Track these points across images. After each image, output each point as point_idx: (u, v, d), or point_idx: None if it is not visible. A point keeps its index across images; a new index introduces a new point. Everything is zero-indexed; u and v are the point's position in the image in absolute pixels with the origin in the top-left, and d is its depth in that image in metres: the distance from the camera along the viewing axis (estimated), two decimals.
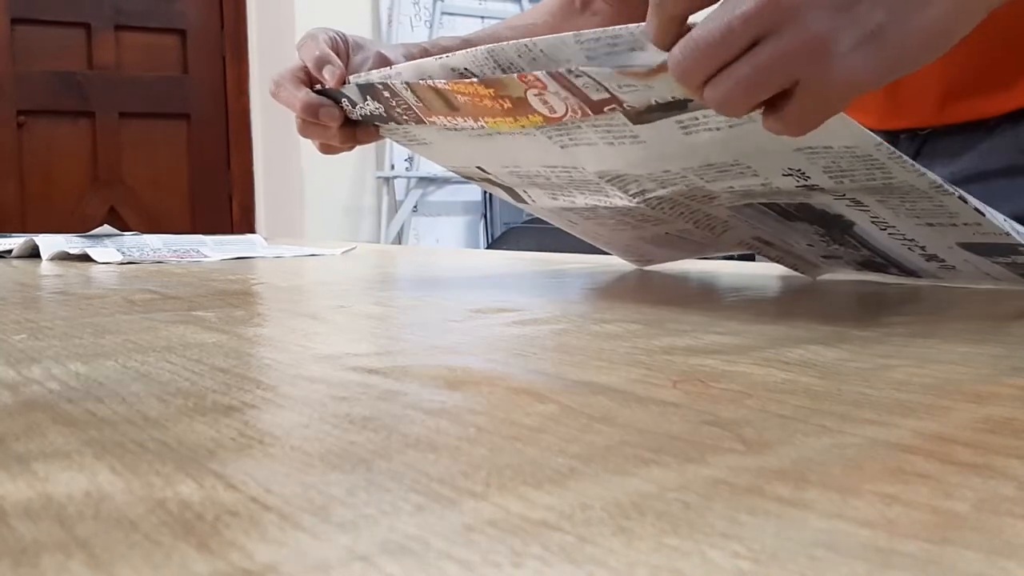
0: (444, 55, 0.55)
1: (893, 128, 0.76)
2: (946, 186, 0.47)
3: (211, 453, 0.24)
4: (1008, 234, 0.49)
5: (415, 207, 3.27)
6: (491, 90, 0.53)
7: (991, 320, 0.47)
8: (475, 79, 0.53)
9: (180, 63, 3.24)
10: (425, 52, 0.74)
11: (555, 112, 0.52)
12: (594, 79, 0.47)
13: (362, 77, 0.64)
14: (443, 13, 3.29)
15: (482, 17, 3.37)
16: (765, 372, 0.33)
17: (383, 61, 0.69)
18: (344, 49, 0.70)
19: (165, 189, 3.23)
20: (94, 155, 3.11)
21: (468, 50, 0.52)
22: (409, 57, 0.73)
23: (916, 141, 0.73)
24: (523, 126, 0.55)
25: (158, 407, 0.29)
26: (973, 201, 0.48)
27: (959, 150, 0.72)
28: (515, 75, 0.50)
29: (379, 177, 3.20)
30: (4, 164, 3.00)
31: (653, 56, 0.44)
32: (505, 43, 0.50)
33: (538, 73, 0.49)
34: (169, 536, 0.18)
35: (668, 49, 0.42)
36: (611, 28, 0.45)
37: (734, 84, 0.40)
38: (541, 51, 0.49)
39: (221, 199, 3.32)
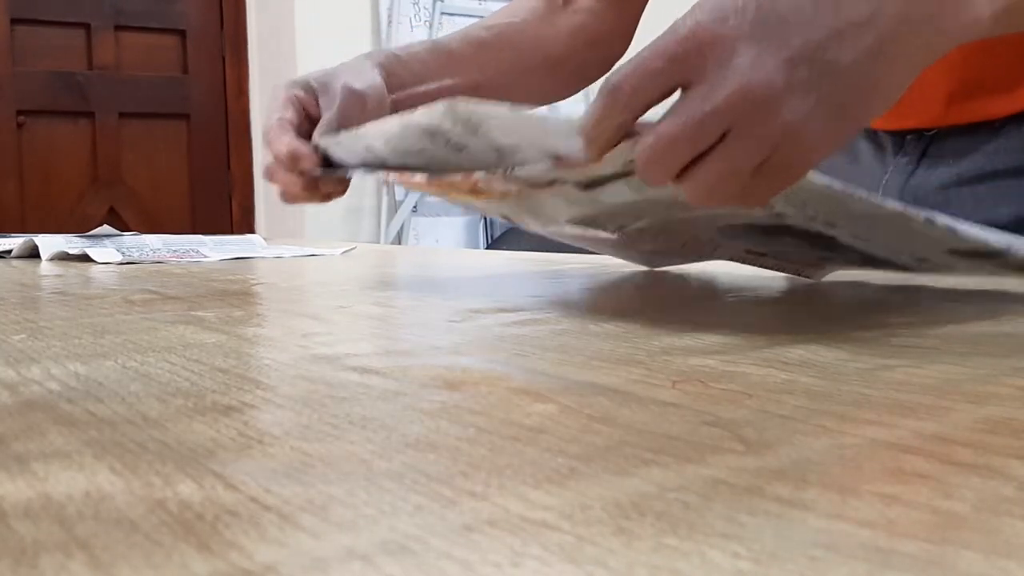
0: (404, 113, 0.52)
1: (899, 128, 0.76)
2: (909, 212, 0.47)
3: (211, 453, 0.24)
4: (987, 243, 0.50)
5: (415, 207, 3.27)
6: (441, 185, 0.53)
7: (991, 320, 0.47)
8: (425, 178, 0.53)
9: (180, 63, 3.24)
10: (397, 61, 0.73)
11: (509, 191, 0.53)
12: (533, 176, 0.47)
13: (340, 170, 0.63)
14: (443, 13, 3.29)
15: (482, 17, 3.37)
16: (765, 372, 0.33)
17: (351, 96, 0.67)
18: (312, 101, 0.68)
19: (165, 189, 3.23)
20: (94, 155, 3.11)
21: (426, 107, 0.49)
22: (383, 70, 0.71)
23: (922, 141, 0.73)
24: (487, 199, 0.57)
25: (158, 407, 0.29)
26: (943, 220, 0.47)
27: (965, 150, 0.72)
28: (458, 176, 0.50)
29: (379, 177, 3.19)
30: (4, 164, 3.00)
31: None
32: (461, 104, 0.46)
33: (478, 175, 0.49)
34: (169, 536, 0.18)
35: (599, 158, 0.41)
36: (551, 119, 0.44)
37: (715, 179, 0.39)
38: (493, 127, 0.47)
39: (221, 199, 3.32)
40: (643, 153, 0.39)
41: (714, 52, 0.38)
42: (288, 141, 0.64)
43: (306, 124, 0.67)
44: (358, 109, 0.67)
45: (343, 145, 0.62)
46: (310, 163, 0.64)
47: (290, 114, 0.66)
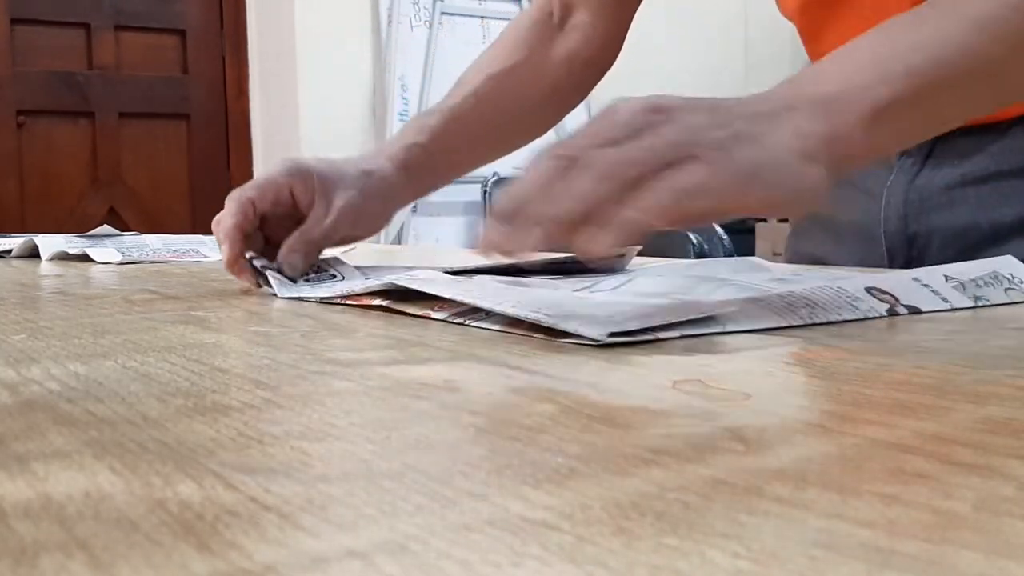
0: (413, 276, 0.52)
1: None
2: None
3: (211, 453, 0.24)
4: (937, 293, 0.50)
5: (415, 207, 3.27)
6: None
7: (991, 320, 0.47)
8: (385, 303, 0.53)
9: (180, 63, 3.24)
10: (423, 151, 0.74)
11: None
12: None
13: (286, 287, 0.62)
14: (443, 13, 3.29)
15: (482, 17, 3.37)
16: (765, 372, 0.33)
17: (347, 210, 0.67)
18: (296, 189, 0.67)
19: (165, 189, 3.23)
20: (94, 155, 3.11)
21: (431, 275, 0.50)
22: (405, 170, 0.72)
23: (928, 142, 0.73)
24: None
25: (158, 407, 0.29)
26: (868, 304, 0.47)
27: (970, 152, 0.72)
28: (417, 309, 0.50)
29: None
30: (4, 164, 3.00)
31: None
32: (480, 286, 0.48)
33: (437, 315, 0.49)
34: (169, 536, 0.18)
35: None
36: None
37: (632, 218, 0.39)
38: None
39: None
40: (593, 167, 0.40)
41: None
42: (228, 252, 0.64)
43: (265, 219, 0.66)
44: (349, 224, 0.67)
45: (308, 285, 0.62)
46: (248, 278, 0.65)
47: (239, 219, 0.65)
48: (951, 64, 0.46)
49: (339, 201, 0.66)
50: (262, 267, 0.64)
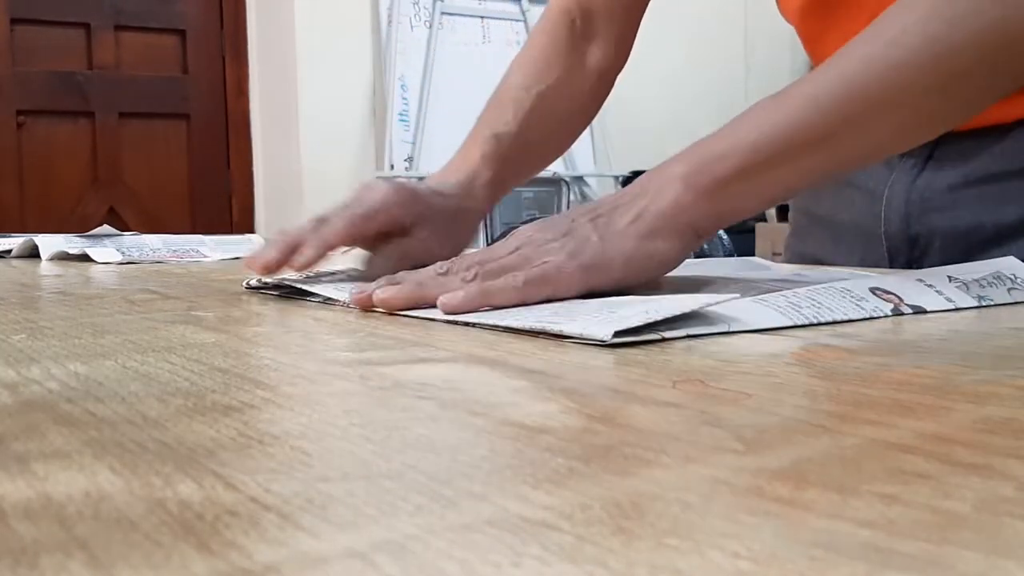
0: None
1: None
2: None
3: (211, 453, 0.24)
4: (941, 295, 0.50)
5: None
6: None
7: (992, 320, 0.47)
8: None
9: (180, 63, 3.24)
10: (502, 188, 0.76)
11: None
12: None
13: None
14: (443, 13, 3.29)
15: (482, 17, 3.37)
16: (765, 372, 0.33)
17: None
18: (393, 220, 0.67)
19: (165, 189, 3.23)
20: (94, 155, 3.11)
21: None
22: (487, 195, 0.74)
23: (929, 144, 0.73)
24: None
25: (158, 407, 0.29)
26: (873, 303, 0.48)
27: (972, 153, 0.71)
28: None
29: (379, 177, 3.20)
30: (4, 164, 3.00)
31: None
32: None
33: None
34: (169, 536, 0.18)
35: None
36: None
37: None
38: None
39: (221, 199, 3.32)
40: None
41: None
42: (281, 255, 0.63)
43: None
44: (438, 253, 0.68)
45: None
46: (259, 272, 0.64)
47: (337, 241, 0.65)
48: (786, 139, 0.52)
49: (436, 231, 0.68)
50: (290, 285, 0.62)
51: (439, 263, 0.52)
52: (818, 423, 0.26)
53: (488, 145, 0.75)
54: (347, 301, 0.51)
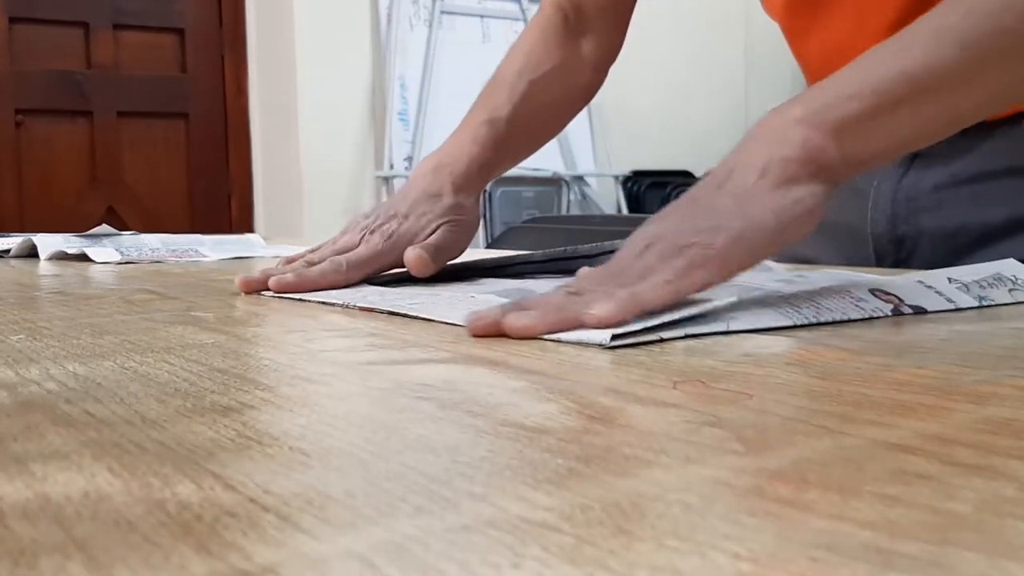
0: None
1: None
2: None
3: (210, 454, 0.24)
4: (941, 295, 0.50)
5: None
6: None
7: (992, 320, 0.47)
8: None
9: (179, 62, 3.24)
10: (491, 172, 0.75)
11: None
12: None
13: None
14: (442, 12, 3.28)
15: (481, 16, 3.37)
16: (765, 372, 0.33)
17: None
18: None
19: (163, 189, 3.23)
20: (92, 154, 3.11)
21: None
22: (478, 184, 0.74)
23: None
24: None
25: (156, 408, 0.29)
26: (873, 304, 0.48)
27: (958, 152, 0.72)
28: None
29: (378, 177, 3.20)
30: (2, 163, 3.00)
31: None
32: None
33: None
34: (168, 537, 0.18)
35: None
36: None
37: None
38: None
39: (220, 199, 3.32)
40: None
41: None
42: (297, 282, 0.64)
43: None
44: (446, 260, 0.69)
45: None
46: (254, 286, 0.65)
47: (351, 277, 0.65)
48: (914, 77, 0.48)
49: (445, 235, 0.68)
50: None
51: (563, 284, 0.47)
52: (819, 424, 0.26)
53: (482, 129, 0.76)
54: (466, 326, 0.44)
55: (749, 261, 0.45)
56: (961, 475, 0.21)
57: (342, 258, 0.66)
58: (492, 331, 0.43)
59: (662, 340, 0.40)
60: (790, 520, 0.18)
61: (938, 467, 0.22)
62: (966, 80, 0.49)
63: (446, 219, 0.68)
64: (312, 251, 0.69)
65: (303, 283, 0.63)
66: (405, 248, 0.66)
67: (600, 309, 0.41)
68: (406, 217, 0.69)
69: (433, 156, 0.75)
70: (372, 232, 0.68)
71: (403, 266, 0.66)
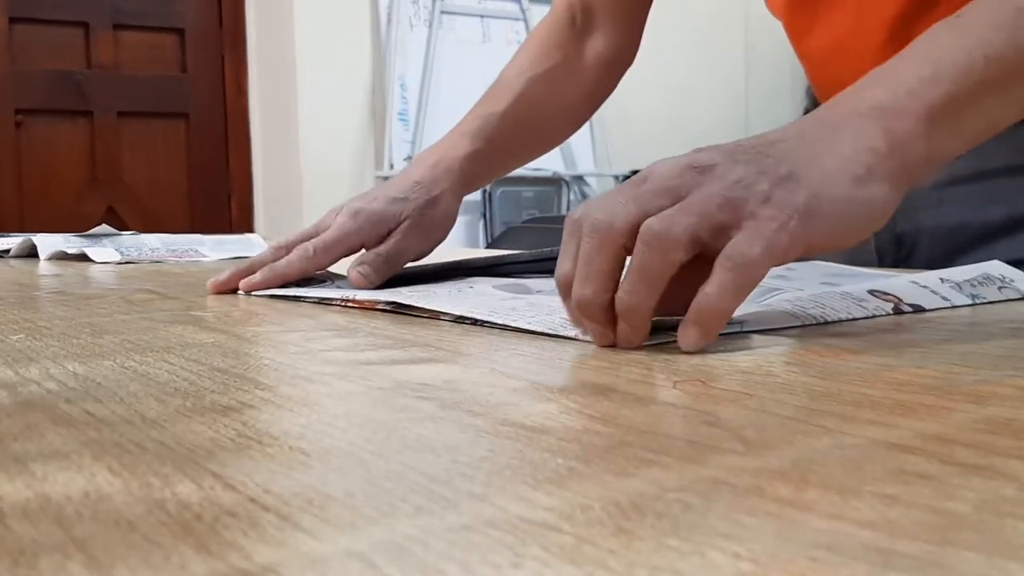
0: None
1: None
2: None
3: (210, 453, 0.24)
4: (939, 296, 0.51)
5: None
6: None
7: (992, 320, 0.47)
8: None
9: (179, 62, 3.24)
10: (477, 160, 0.74)
11: None
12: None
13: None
14: (442, 12, 3.28)
15: (481, 16, 3.37)
16: (765, 372, 0.33)
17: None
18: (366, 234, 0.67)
19: (163, 189, 3.23)
20: (92, 154, 3.11)
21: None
22: (462, 176, 0.72)
23: None
24: None
25: (156, 407, 0.29)
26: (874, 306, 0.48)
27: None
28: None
29: (378, 177, 3.19)
30: (2, 163, 3.00)
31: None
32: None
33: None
34: (168, 537, 0.18)
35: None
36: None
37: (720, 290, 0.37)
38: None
39: (220, 199, 3.32)
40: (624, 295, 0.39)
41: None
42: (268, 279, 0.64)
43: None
44: (416, 251, 0.68)
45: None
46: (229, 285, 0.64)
47: (319, 263, 0.65)
48: (1003, 58, 0.43)
49: (407, 235, 0.67)
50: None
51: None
52: (819, 423, 0.26)
53: (474, 123, 0.76)
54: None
55: (819, 244, 0.40)
56: (961, 475, 0.21)
57: (309, 244, 0.65)
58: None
59: (668, 342, 0.40)
60: (790, 520, 0.18)
61: (938, 467, 0.22)
62: None
63: (408, 219, 0.67)
64: (280, 247, 0.68)
65: (272, 279, 0.63)
66: (373, 229, 0.66)
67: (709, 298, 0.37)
68: (375, 199, 0.68)
69: (425, 151, 0.75)
70: (339, 213, 0.68)
71: (374, 245, 0.65)
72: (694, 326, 0.37)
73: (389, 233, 0.67)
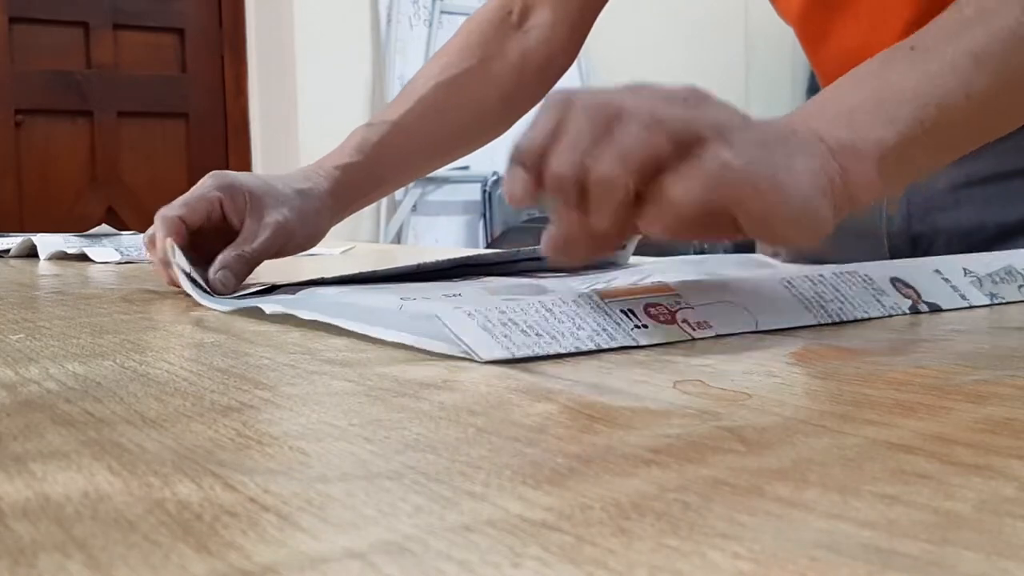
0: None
1: None
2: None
3: (209, 453, 0.24)
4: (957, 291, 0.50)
5: (414, 206, 3.27)
6: None
7: (992, 320, 0.47)
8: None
9: (178, 62, 3.24)
10: (351, 168, 0.73)
11: None
12: None
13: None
14: (442, 12, 3.28)
15: None
16: (766, 372, 0.33)
17: (279, 230, 0.65)
18: (226, 205, 0.64)
19: (163, 189, 3.22)
20: (92, 154, 3.11)
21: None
22: (331, 194, 0.70)
23: None
24: None
25: (156, 407, 0.29)
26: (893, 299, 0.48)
27: (975, 152, 0.71)
28: None
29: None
30: (2, 163, 3.00)
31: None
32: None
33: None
34: (167, 537, 0.18)
35: None
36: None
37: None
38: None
39: None
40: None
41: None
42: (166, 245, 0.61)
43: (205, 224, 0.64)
44: (281, 242, 0.65)
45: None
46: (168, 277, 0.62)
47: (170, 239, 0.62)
48: (954, 105, 0.46)
49: (271, 219, 0.65)
50: (187, 275, 0.60)
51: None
52: (819, 423, 0.26)
53: (359, 134, 0.75)
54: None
55: (768, 210, 0.40)
56: (961, 475, 0.21)
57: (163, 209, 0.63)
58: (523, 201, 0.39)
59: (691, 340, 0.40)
60: (790, 520, 0.18)
61: (938, 467, 0.22)
62: (997, 106, 0.48)
63: (274, 221, 0.65)
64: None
65: (159, 267, 0.62)
66: (228, 190, 0.64)
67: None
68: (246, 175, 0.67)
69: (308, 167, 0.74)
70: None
71: (230, 208, 0.64)
72: (651, 204, 0.37)
73: (245, 204, 0.64)
